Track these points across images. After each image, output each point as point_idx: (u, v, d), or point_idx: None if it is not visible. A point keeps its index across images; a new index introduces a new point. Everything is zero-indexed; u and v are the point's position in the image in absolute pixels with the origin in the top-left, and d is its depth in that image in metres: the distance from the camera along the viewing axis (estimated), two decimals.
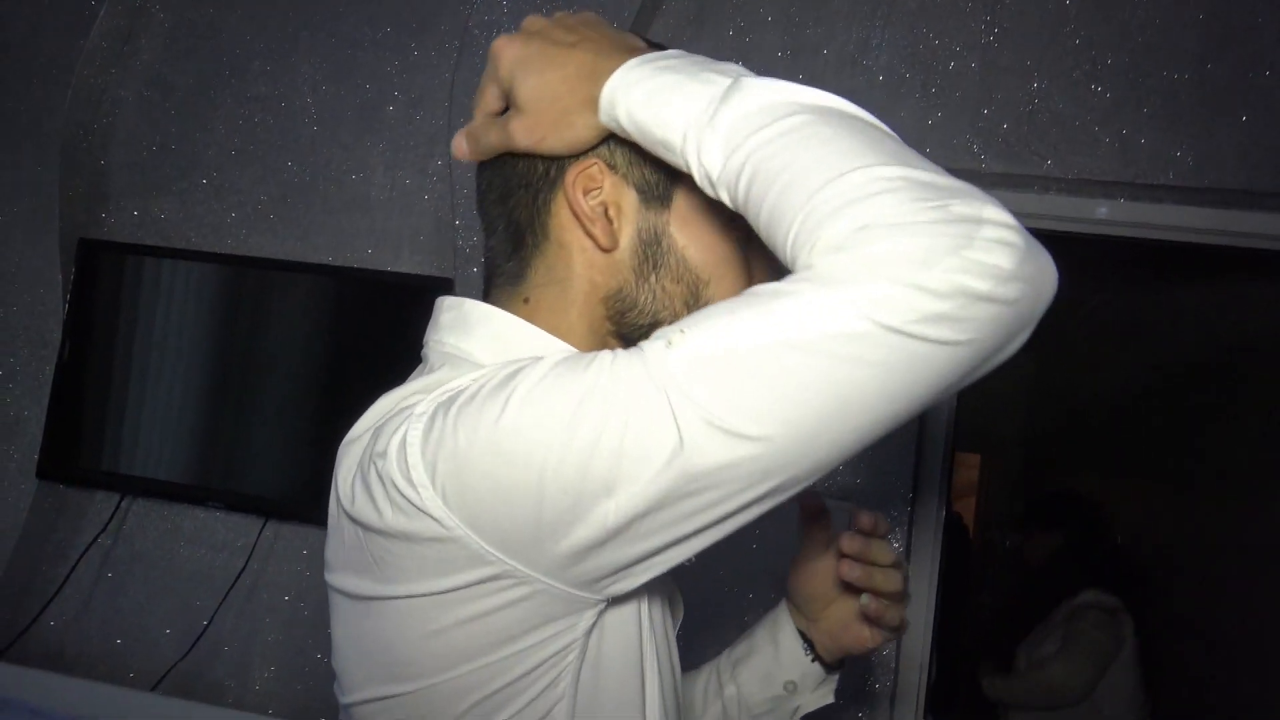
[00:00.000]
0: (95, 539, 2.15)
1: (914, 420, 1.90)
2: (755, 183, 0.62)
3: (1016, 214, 1.97)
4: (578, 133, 0.72)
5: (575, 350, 0.76)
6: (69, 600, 2.16)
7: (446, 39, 2.14)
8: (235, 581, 2.06)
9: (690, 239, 0.77)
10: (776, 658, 0.99)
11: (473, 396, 0.64)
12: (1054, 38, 1.89)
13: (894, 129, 1.92)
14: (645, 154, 0.74)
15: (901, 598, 0.92)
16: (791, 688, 0.99)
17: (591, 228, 0.76)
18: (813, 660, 0.99)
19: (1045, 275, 0.59)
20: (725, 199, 0.65)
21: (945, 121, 1.90)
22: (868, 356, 0.56)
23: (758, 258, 0.81)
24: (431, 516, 0.63)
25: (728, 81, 0.65)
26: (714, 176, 0.64)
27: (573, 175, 0.76)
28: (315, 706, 2.04)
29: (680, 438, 0.58)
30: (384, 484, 0.65)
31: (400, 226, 2.13)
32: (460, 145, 0.77)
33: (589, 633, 0.68)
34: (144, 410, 2.15)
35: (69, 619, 2.17)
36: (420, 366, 0.79)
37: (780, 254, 0.62)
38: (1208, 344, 3.52)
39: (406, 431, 0.65)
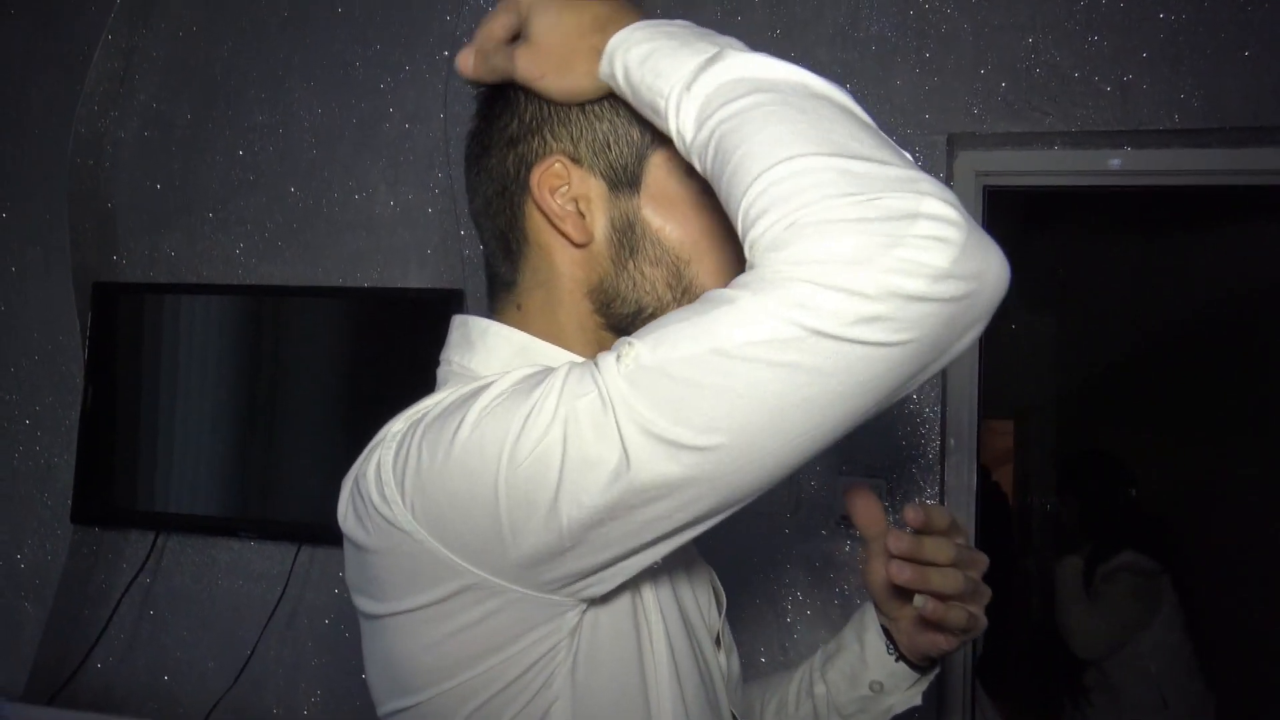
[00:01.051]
0: (134, 578, 2.16)
1: (937, 389, 1.88)
2: (716, 157, 0.62)
3: (1022, 172, 1.94)
4: (577, 80, 0.71)
5: (566, 357, 0.76)
6: (113, 641, 2.18)
7: (436, 50, 2.14)
8: (275, 609, 2.07)
9: (665, 218, 0.76)
10: (862, 656, 0.94)
11: (438, 414, 0.65)
12: None
13: (890, 98, 1.91)
14: (609, 141, 0.75)
15: (969, 597, 0.83)
16: (878, 688, 0.94)
17: (562, 225, 0.75)
18: (896, 660, 0.93)
19: (990, 269, 0.57)
20: (698, 166, 0.65)
21: (942, 86, 1.88)
22: (800, 362, 0.55)
23: None
24: (405, 531, 0.65)
25: (714, 51, 0.64)
26: (688, 142, 0.64)
27: (537, 175, 0.75)
28: None
29: (624, 451, 0.58)
30: (365, 503, 0.67)
31: (407, 242, 2.14)
32: (466, 60, 0.76)
33: (574, 632, 0.68)
34: (172, 447, 2.16)
35: (115, 660, 2.19)
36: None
37: (737, 232, 0.61)
38: (1231, 285, 3.47)
39: (382, 452, 0.67)
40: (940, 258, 0.54)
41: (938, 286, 0.54)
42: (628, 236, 0.76)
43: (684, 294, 0.77)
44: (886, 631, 0.93)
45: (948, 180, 1.89)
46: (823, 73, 0.69)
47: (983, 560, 0.86)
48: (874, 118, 0.64)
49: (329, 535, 2.05)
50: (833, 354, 0.54)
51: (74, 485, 2.16)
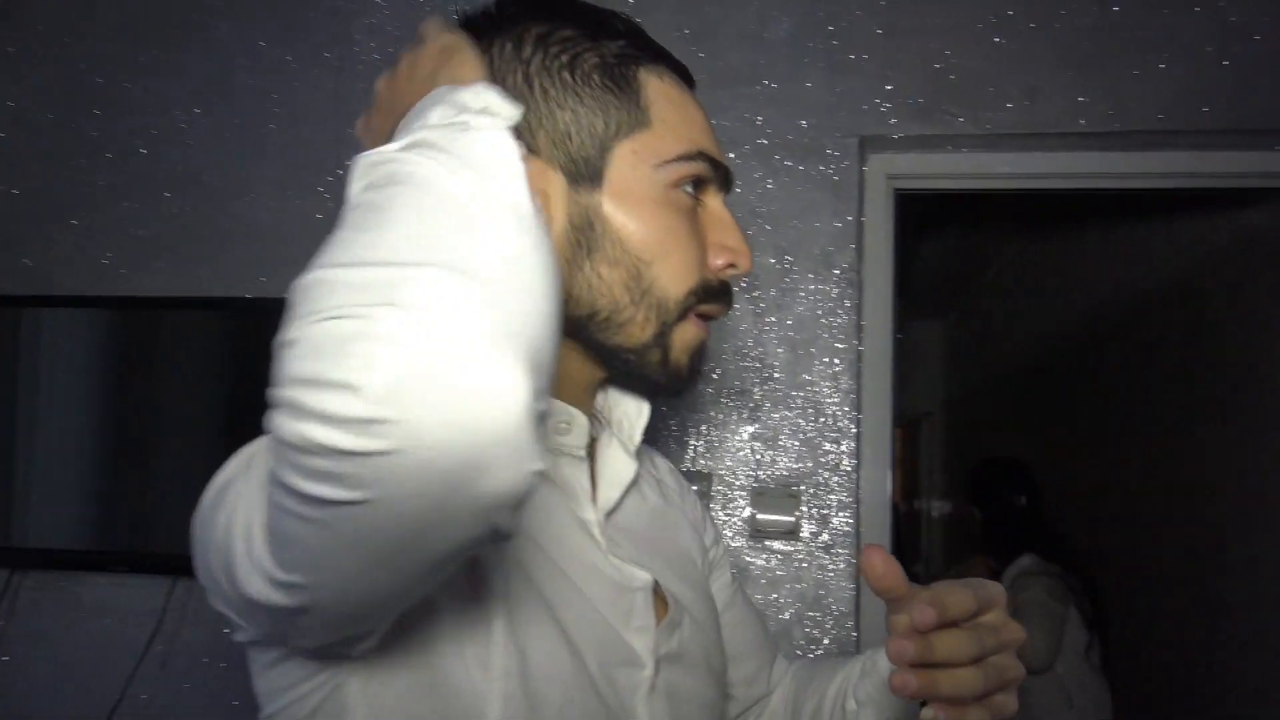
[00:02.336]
0: None
1: (853, 397, 1.83)
2: None
3: (932, 175, 1.88)
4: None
5: None
6: None
7: (326, 48, 2.02)
8: (146, 650, 1.90)
9: (628, 215, 0.71)
10: (888, 686, 0.80)
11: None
12: None
13: (802, 99, 1.86)
14: (570, 131, 0.71)
15: (994, 694, 0.69)
16: None
17: None
18: (922, 705, 0.77)
19: (465, 408, 0.42)
20: None
21: (853, 89, 1.85)
22: (294, 510, 0.46)
23: (716, 225, 0.76)
24: None
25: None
26: None
27: None
28: None
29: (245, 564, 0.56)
30: None
31: (294, 251, 1.99)
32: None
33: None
34: (31, 475, 1.96)
35: None
36: None
37: None
38: (1123, 289, 3.55)
39: None
40: (350, 406, 0.41)
41: (365, 439, 0.41)
42: (586, 235, 0.71)
43: (643, 296, 0.72)
44: None
45: (860, 185, 1.85)
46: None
47: (1016, 635, 0.71)
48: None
49: None
50: (312, 510, 0.45)
51: None
